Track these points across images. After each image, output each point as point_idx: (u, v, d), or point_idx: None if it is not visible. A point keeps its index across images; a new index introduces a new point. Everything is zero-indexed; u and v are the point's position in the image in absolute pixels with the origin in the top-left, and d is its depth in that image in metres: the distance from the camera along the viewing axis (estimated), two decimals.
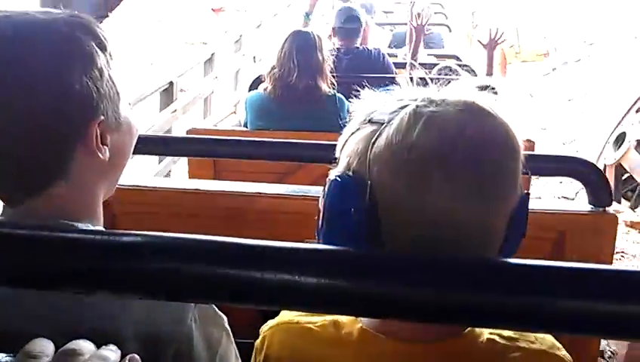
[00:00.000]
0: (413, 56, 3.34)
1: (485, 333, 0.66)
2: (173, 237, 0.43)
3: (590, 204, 1.21)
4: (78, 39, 0.66)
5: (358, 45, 3.12)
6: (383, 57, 3.08)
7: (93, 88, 0.66)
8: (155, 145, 1.40)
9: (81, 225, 0.68)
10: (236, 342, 0.77)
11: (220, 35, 8.30)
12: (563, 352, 0.68)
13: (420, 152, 0.59)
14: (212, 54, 6.21)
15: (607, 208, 1.20)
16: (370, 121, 0.64)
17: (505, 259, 0.47)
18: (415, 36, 3.42)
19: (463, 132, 0.60)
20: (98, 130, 0.68)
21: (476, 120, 0.61)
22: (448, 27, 6.31)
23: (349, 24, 3.08)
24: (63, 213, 0.67)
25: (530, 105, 7.10)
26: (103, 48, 0.69)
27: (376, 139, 0.62)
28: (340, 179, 0.62)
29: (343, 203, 0.62)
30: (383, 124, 0.62)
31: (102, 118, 0.68)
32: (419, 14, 3.45)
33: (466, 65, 3.91)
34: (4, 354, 0.42)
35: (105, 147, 0.69)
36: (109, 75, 0.69)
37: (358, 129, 0.66)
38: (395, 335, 0.65)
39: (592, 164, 1.22)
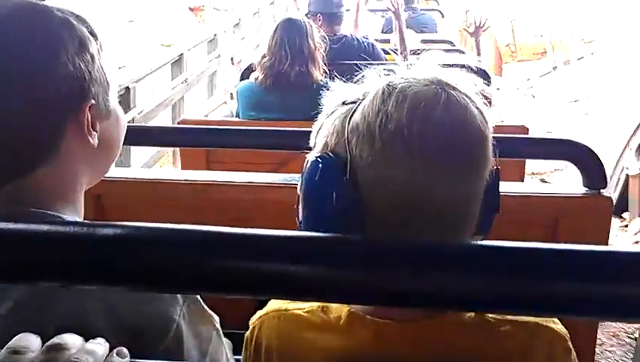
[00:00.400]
0: (402, 43, 3.34)
1: None
2: (163, 227, 0.42)
3: (585, 186, 1.20)
4: (70, 23, 0.67)
5: (345, 33, 3.10)
6: (373, 47, 3.07)
7: (85, 71, 0.67)
8: (145, 136, 1.38)
9: (67, 217, 0.67)
10: (232, 336, 0.76)
11: (190, 35, 7.84)
12: (559, 326, 0.67)
13: (392, 123, 0.59)
14: (180, 55, 5.76)
15: (601, 190, 1.20)
16: (344, 103, 0.65)
17: (486, 243, 0.46)
18: (397, 22, 3.43)
19: (433, 107, 0.60)
20: (89, 114, 0.68)
21: (445, 94, 0.61)
22: (441, 12, 6.28)
23: (334, 9, 3.06)
24: (47, 198, 0.66)
25: (532, 106, 6.81)
26: (95, 36, 0.70)
27: (352, 114, 0.63)
28: (320, 160, 0.62)
29: (324, 182, 0.61)
30: (356, 102, 0.63)
31: (92, 101, 0.68)
32: (390, 7, 3.48)
33: (459, 51, 3.92)
34: None
35: (94, 132, 0.69)
36: (99, 62, 0.70)
37: (332, 112, 0.66)
38: (383, 316, 0.65)
39: (586, 146, 1.21)
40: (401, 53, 3.22)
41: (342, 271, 0.40)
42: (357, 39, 3.08)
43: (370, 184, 0.61)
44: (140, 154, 4.33)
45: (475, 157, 0.62)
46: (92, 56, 0.68)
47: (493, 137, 0.67)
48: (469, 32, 3.67)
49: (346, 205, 0.60)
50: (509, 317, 0.65)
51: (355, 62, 2.73)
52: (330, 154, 0.63)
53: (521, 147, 1.32)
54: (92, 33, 0.70)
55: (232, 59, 7.06)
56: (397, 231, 0.61)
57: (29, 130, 0.65)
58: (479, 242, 0.49)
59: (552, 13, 11.69)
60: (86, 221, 0.69)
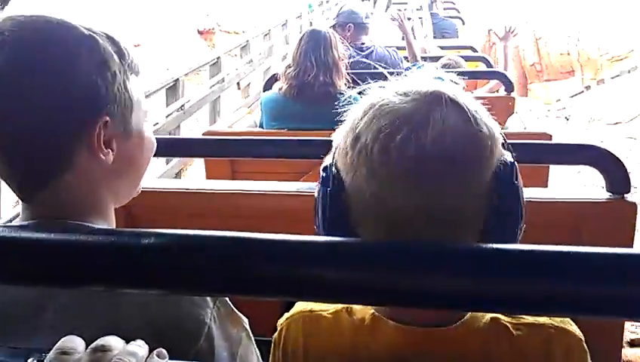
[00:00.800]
0: (410, 51, 3.40)
1: (489, 314, 0.67)
2: (196, 234, 0.45)
3: (608, 191, 1.20)
4: (93, 39, 0.69)
5: (373, 44, 3.15)
6: (400, 60, 3.13)
7: (101, 87, 0.67)
8: (170, 147, 1.41)
9: (97, 226, 0.70)
10: (259, 341, 0.78)
11: (190, 59, 7.49)
12: (573, 327, 0.68)
13: (362, 139, 0.62)
14: (175, 81, 5.45)
15: (625, 195, 1.19)
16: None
17: (477, 244, 0.48)
18: (404, 35, 3.52)
19: (409, 120, 0.61)
20: (102, 131, 0.69)
21: (430, 109, 0.62)
22: (462, 19, 6.29)
23: (364, 20, 3.13)
24: (73, 209, 0.69)
25: (567, 129, 6.13)
26: (122, 56, 0.71)
27: (341, 128, 0.67)
28: (322, 170, 0.67)
29: (321, 192, 0.66)
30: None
31: (107, 118, 0.69)
32: (394, 18, 3.58)
33: (483, 57, 3.92)
34: (38, 352, 0.43)
35: (109, 150, 0.70)
36: (123, 81, 0.70)
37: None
38: (404, 321, 0.67)
39: (609, 150, 1.21)
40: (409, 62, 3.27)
41: (361, 274, 0.42)
42: (387, 50, 3.13)
43: (353, 197, 0.63)
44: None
45: (460, 167, 0.61)
46: (113, 74, 0.69)
47: (514, 144, 0.68)
48: (499, 36, 3.65)
49: (335, 216, 0.64)
50: (524, 321, 0.66)
51: (379, 70, 2.78)
52: (332, 164, 0.66)
53: (543, 153, 1.32)
54: (119, 53, 0.71)
55: (238, 83, 6.76)
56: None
57: (42, 143, 0.67)
58: (491, 245, 0.49)
59: (579, 30, 11.33)
60: (124, 229, 0.72)
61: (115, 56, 0.70)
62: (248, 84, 6.75)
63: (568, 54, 11.49)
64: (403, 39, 4.73)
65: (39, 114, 0.66)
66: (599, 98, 7.16)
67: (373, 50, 3.07)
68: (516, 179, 0.65)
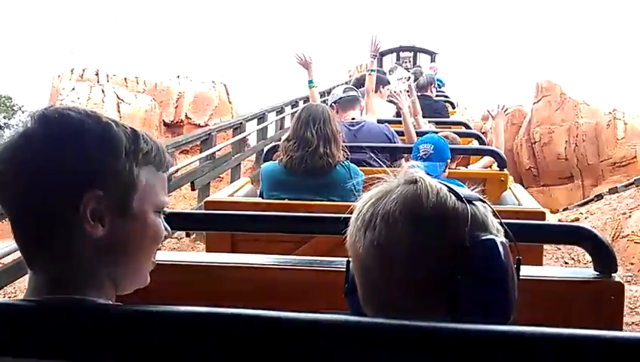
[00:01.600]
0: (407, 131, 3.55)
1: None
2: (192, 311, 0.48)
3: (596, 270, 1.24)
4: (110, 126, 0.74)
5: (364, 120, 3.27)
6: (392, 135, 3.24)
7: (99, 162, 0.72)
8: (173, 220, 1.46)
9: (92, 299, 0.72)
10: None
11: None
12: None
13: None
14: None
15: (612, 274, 1.22)
16: None
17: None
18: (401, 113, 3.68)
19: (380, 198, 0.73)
20: (92, 202, 0.71)
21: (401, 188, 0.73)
22: (452, 103, 6.58)
23: (346, 93, 3.30)
24: (72, 280, 0.72)
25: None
26: (136, 144, 0.76)
27: None
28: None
29: (345, 278, 0.80)
30: None
31: (100, 193, 0.72)
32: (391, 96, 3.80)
33: (475, 134, 4.04)
34: None
35: (98, 224, 0.72)
36: (129, 166, 0.74)
37: None
38: None
39: (596, 233, 1.25)
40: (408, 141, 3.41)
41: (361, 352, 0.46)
42: (377, 126, 3.24)
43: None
44: None
45: (412, 244, 0.69)
46: (117, 156, 0.73)
47: (509, 223, 0.76)
48: (492, 114, 3.76)
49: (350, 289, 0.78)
50: None
51: (373, 144, 2.90)
52: None
53: (535, 233, 1.36)
54: (131, 140, 0.75)
55: (192, 183, 6.76)
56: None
57: (41, 215, 0.71)
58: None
59: (576, 134, 11.33)
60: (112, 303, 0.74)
61: (127, 142, 0.74)
62: (208, 183, 6.91)
63: (566, 159, 11.66)
64: (398, 114, 4.92)
65: (35, 188, 0.70)
66: (614, 208, 6.15)
67: (363, 125, 3.19)
68: (500, 257, 0.69)
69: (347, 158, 2.40)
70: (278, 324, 0.48)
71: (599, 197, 7.27)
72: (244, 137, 8.80)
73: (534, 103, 13.38)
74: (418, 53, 15.23)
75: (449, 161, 2.62)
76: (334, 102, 3.32)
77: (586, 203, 7.08)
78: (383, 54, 13.16)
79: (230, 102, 13.44)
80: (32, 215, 0.71)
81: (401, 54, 14.74)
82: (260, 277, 1.30)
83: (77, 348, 0.50)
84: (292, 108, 10.55)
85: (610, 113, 12.38)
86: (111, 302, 0.75)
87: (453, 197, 0.71)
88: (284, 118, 10.55)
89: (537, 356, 0.45)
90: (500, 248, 0.69)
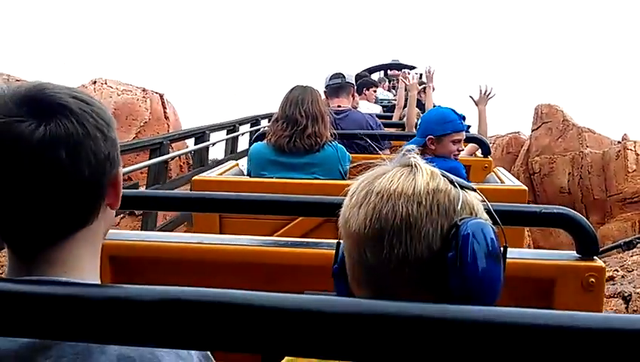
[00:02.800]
0: (410, 126, 3.57)
1: None
2: (183, 290, 0.49)
3: (578, 253, 1.26)
4: (107, 110, 0.75)
5: (349, 108, 3.28)
6: (375, 123, 3.26)
7: (117, 141, 0.74)
8: (162, 202, 1.46)
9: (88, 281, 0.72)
10: None
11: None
12: None
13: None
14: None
15: (594, 257, 1.25)
16: None
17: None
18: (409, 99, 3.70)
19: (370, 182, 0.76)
20: (120, 178, 0.74)
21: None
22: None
23: (333, 80, 3.26)
24: (76, 265, 0.71)
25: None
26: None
27: None
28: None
29: (334, 258, 0.81)
30: None
31: (121, 168, 0.75)
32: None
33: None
34: None
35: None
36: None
37: None
38: None
39: (579, 215, 1.27)
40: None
41: (339, 331, 0.47)
42: (363, 115, 3.26)
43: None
44: None
45: (405, 221, 0.71)
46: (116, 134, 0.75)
47: (491, 205, 0.78)
48: (474, 99, 3.70)
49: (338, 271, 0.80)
50: None
51: (357, 131, 2.92)
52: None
53: (517, 216, 1.38)
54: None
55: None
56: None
57: (84, 188, 0.69)
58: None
59: (580, 165, 10.11)
60: (114, 285, 0.75)
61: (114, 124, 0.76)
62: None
63: (569, 193, 10.55)
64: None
65: (84, 165, 0.68)
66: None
67: (347, 114, 3.22)
68: (488, 239, 0.71)
69: (335, 138, 2.42)
70: (267, 306, 0.48)
71: (629, 245, 5.27)
72: (206, 147, 7.99)
73: (533, 130, 11.87)
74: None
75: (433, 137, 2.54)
76: (322, 90, 3.32)
77: (609, 250, 5.38)
78: (370, 71, 12.22)
79: (167, 117, 9.91)
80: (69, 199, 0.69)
81: (389, 72, 13.78)
82: (247, 258, 1.32)
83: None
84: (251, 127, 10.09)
85: (619, 142, 10.84)
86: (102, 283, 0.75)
87: (447, 180, 0.74)
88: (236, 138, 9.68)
89: (529, 338, 0.45)
90: (489, 231, 0.72)
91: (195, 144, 7.94)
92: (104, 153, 0.70)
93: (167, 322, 0.48)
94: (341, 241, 0.79)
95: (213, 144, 8.65)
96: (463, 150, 2.79)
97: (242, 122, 10.03)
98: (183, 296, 0.49)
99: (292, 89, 2.43)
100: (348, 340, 0.47)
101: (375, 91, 5.80)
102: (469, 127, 2.92)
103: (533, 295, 1.25)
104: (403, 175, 0.74)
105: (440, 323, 0.47)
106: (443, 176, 0.75)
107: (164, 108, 10.05)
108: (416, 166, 0.75)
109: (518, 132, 12.70)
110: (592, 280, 1.22)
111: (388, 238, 0.70)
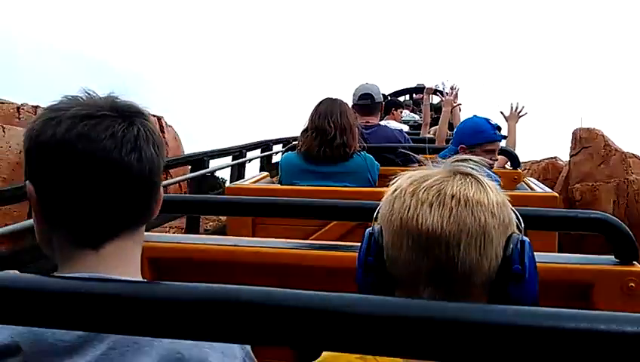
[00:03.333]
0: (440, 140, 3.56)
1: None
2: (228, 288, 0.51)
3: (617, 258, 1.24)
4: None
5: (378, 123, 3.32)
6: (405, 140, 3.28)
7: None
8: (197, 206, 1.50)
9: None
10: None
11: None
12: None
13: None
14: None
15: (633, 262, 1.23)
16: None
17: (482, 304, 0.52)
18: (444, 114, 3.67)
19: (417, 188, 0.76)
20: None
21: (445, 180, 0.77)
22: None
23: (362, 101, 3.28)
24: (126, 262, 0.75)
25: None
26: None
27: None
28: (367, 231, 0.80)
29: (364, 250, 0.79)
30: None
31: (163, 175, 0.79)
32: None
33: None
34: None
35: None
36: None
37: None
38: None
39: (616, 219, 1.25)
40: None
41: (379, 328, 0.47)
42: (390, 129, 3.30)
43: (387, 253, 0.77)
44: None
45: (482, 228, 0.72)
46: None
47: (522, 210, 0.80)
48: (505, 116, 3.68)
49: (376, 270, 0.79)
50: None
51: (386, 145, 2.93)
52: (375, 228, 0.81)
53: (554, 220, 1.36)
54: None
55: None
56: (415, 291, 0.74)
57: (146, 186, 0.75)
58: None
59: (627, 195, 9.51)
60: (160, 282, 0.78)
61: None
62: None
63: None
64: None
65: (153, 167, 0.75)
66: None
67: (376, 129, 3.25)
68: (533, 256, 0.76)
69: (363, 149, 2.46)
70: (296, 303, 0.49)
71: None
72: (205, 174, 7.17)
73: (572, 155, 11.06)
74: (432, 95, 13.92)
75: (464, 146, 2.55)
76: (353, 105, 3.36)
77: None
78: (397, 95, 11.60)
79: (166, 143, 8.06)
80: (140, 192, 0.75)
81: (415, 96, 13.39)
82: (281, 260, 1.34)
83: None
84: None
85: None
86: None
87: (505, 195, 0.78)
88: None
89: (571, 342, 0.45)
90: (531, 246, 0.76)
91: (193, 171, 7.05)
92: (162, 158, 0.77)
93: (212, 318, 0.49)
94: (373, 232, 0.79)
95: (212, 172, 7.63)
96: (497, 160, 2.76)
97: (250, 147, 9.03)
98: (228, 293, 0.50)
99: (321, 101, 2.49)
100: (405, 340, 0.47)
101: (402, 112, 5.92)
102: (504, 137, 2.87)
103: (571, 299, 1.24)
104: (473, 184, 0.75)
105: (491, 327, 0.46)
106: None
107: (162, 132, 9.04)
108: (480, 178, 0.77)
109: (555, 157, 11.93)
110: (632, 284, 1.19)
111: (465, 242, 0.72)
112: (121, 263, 0.74)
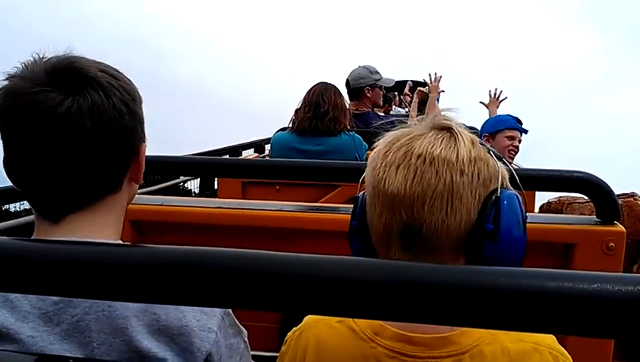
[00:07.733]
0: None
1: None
2: (206, 250, 0.50)
3: (598, 217, 1.25)
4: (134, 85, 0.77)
5: (368, 110, 3.28)
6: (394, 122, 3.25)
7: (142, 117, 0.76)
8: (184, 167, 1.49)
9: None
10: (254, 356, 0.83)
11: None
12: (556, 348, 0.73)
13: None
14: None
15: (614, 222, 1.24)
16: None
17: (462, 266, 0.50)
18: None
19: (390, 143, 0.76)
20: (143, 153, 0.77)
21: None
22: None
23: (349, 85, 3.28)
24: (99, 229, 0.74)
25: None
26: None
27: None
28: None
29: (352, 215, 0.81)
30: None
31: (145, 144, 0.77)
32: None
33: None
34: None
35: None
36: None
37: None
38: (408, 329, 0.73)
39: (600, 179, 1.26)
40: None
41: (359, 291, 0.46)
42: (379, 115, 3.33)
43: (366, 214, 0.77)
44: None
45: (448, 187, 0.70)
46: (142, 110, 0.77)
47: (513, 169, 0.79)
48: (485, 104, 3.63)
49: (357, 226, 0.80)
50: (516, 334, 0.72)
51: (375, 128, 2.92)
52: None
53: (536, 180, 1.37)
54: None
55: None
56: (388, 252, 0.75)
57: (108, 158, 0.72)
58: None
59: None
60: (138, 245, 0.78)
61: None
62: None
63: None
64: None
65: (114, 135, 0.71)
66: None
67: (364, 116, 3.25)
68: (521, 211, 0.74)
69: (352, 129, 2.54)
70: (289, 265, 0.49)
71: None
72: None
73: None
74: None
75: None
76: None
77: None
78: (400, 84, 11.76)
79: None
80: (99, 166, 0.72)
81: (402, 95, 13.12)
82: (265, 223, 1.34)
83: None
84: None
85: None
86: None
87: (485, 149, 0.75)
88: None
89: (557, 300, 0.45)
90: (520, 202, 0.74)
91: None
92: (128, 126, 0.72)
93: (190, 281, 0.49)
94: (359, 197, 0.80)
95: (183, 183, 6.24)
96: (517, 147, 2.88)
97: (245, 147, 8.87)
98: (207, 255, 0.49)
99: (316, 84, 2.57)
100: (380, 303, 0.47)
101: (390, 106, 6.11)
102: (526, 131, 2.96)
103: (553, 259, 1.26)
104: (444, 140, 0.73)
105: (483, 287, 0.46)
106: (481, 144, 0.75)
107: None
108: (456, 131, 0.74)
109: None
110: (612, 244, 1.21)
111: (429, 203, 0.70)
112: (93, 231, 0.73)
